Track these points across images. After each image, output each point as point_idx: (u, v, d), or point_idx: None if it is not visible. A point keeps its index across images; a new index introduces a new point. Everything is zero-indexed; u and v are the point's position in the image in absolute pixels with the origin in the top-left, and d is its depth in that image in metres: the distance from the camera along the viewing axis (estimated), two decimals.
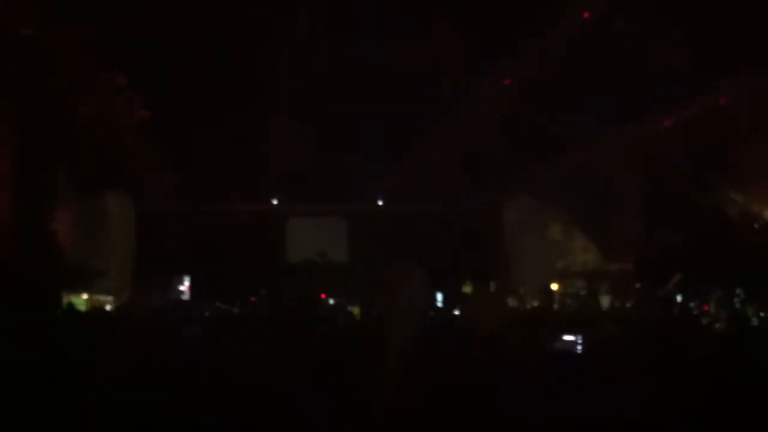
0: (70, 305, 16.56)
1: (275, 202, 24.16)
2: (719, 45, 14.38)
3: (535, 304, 19.65)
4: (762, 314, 14.67)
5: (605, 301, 19.16)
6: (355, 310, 19.93)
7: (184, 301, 21.36)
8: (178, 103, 18.32)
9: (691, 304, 16.07)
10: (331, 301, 20.30)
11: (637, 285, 19.12)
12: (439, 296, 20.10)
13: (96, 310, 17.74)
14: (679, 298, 16.68)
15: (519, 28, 15.76)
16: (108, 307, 18.71)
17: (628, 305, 18.58)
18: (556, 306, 19.35)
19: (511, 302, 20.62)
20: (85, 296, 18.57)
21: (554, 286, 20.56)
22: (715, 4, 13.99)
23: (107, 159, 19.07)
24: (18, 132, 16.31)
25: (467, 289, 20.91)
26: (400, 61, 16.23)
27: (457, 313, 17.98)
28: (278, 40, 16.37)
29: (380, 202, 24.28)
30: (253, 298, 20.28)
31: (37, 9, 14.73)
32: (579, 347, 11.06)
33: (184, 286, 22.14)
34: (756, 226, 17.06)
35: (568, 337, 11.28)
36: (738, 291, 15.50)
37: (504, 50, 16.66)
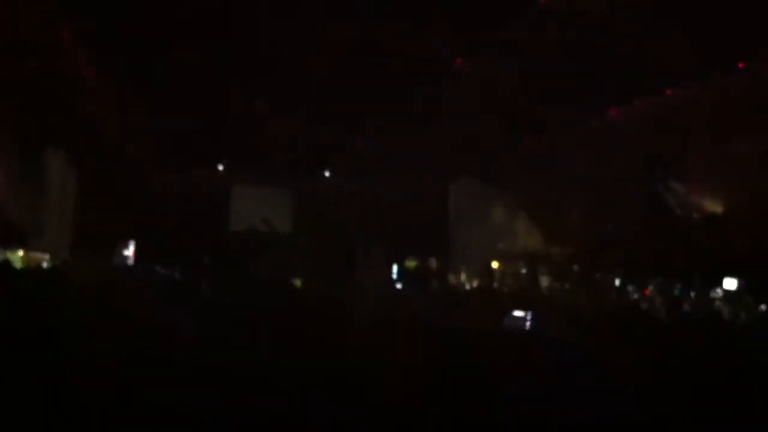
0: (6, 259, 16.31)
1: (220, 168, 23.89)
2: (682, 40, 14.46)
3: (475, 283, 19.89)
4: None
5: (544, 282, 19.49)
6: (297, 282, 19.97)
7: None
8: (129, 61, 17.89)
9: (629, 288, 16.44)
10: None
11: (575, 267, 19.44)
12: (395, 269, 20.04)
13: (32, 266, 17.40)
14: (617, 282, 17.03)
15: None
16: (44, 265, 18.24)
17: (566, 287, 18.95)
18: (495, 285, 19.61)
19: (452, 279, 20.87)
20: (21, 253, 18.18)
21: (495, 265, 20.82)
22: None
23: (50, 117, 18.65)
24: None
25: (410, 264, 21.09)
26: (362, 30, 15.97)
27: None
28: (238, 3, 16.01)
29: (327, 174, 24.17)
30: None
31: None
32: (528, 323, 11.22)
33: (129, 250, 21.76)
34: (697, 217, 17.42)
35: (518, 313, 11.41)
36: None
37: (463, 29, 16.49)
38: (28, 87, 17.03)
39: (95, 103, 19.12)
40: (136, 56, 17.57)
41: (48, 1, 15.27)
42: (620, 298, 16.52)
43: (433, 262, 21.38)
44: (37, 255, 18.65)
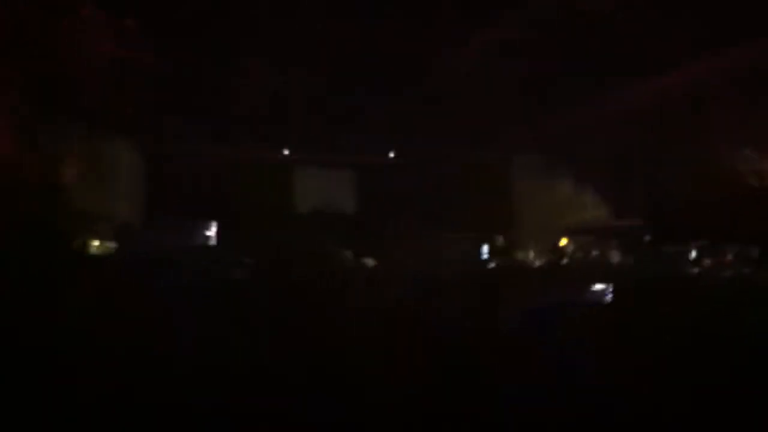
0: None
1: (286, 152, 23.89)
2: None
3: (543, 260, 19.65)
4: None
5: (615, 257, 19.17)
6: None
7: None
8: (185, 45, 18.07)
9: (706, 261, 16.07)
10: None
11: (646, 239, 19.11)
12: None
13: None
14: (693, 254, 16.64)
15: None
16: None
17: (637, 260, 18.60)
18: (565, 261, 19.36)
19: (520, 256, 20.64)
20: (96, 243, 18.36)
21: (563, 242, 20.52)
22: None
23: (113, 103, 18.89)
24: (24, 77, 16.09)
25: None
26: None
27: None
28: None
29: (391, 155, 24.03)
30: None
31: None
32: (608, 297, 11.13)
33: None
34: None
35: (599, 287, 11.34)
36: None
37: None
38: (93, 74, 17.36)
39: (159, 86, 19.37)
40: (197, 41, 17.75)
41: None
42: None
43: (499, 239, 21.15)
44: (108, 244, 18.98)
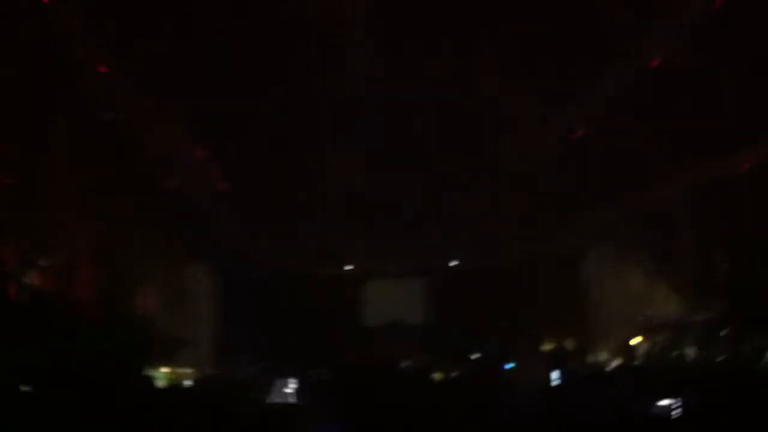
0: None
1: (350, 267, 24.28)
2: None
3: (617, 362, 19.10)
4: None
5: (691, 354, 18.49)
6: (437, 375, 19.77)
7: None
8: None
9: None
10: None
11: (724, 333, 18.36)
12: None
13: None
14: None
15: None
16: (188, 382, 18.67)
17: (717, 357, 17.90)
18: (637, 362, 18.75)
19: (591, 359, 20.15)
20: (166, 369, 18.78)
21: (636, 340, 19.92)
22: None
23: (191, 229, 19.61)
24: (106, 203, 16.66)
25: (547, 347, 20.50)
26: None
27: None
28: None
29: (455, 263, 24.11)
30: None
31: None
32: (677, 412, 10.46)
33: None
34: None
35: (663, 402, 10.63)
36: None
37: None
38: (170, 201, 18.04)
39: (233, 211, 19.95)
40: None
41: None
42: None
43: (570, 342, 20.72)
44: (182, 371, 19.37)
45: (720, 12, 12.67)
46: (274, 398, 15.26)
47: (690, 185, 18.92)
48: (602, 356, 20.50)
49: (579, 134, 17.28)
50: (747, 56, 13.85)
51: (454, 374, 19.35)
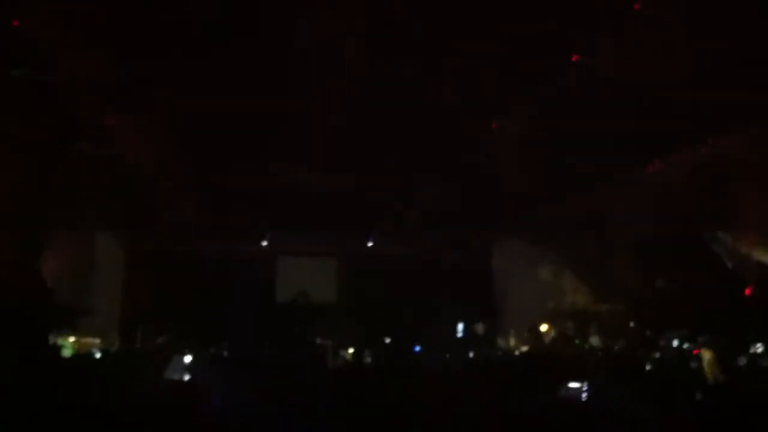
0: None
1: (264, 243, 24.01)
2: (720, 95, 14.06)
3: (524, 348, 19.53)
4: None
5: (595, 342, 19.08)
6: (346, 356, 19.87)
7: None
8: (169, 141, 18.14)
9: (685, 345, 15.98)
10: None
11: (631, 325, 18.94)
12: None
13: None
14: (675, 343, 16.50)
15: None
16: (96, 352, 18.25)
17: (617, 347, 18.49)
18: (543, 348, 19.25)
19: (501, 343, 20.56)
20: (71, 339, 18.29)
21: (543, 327, 20.47)
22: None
23: (101, 197, 18.99)
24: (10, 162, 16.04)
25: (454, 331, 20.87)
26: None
27: None
28: None
29: (370, 243, 24.14)
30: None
31: None
32: (584, 395, 10.88)
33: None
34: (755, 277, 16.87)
35: (573, 385, 11.08)
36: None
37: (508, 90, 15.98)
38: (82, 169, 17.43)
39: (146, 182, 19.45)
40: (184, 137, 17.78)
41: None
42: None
43: (479, 327, 21.11)
44: (87, 340, 18.91)
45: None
46: (173, 374, 14.91)
47: (601, 185, 19.31)
48: (511, 342, 20.99)
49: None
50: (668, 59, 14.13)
51: (363, 355, 19.49)
